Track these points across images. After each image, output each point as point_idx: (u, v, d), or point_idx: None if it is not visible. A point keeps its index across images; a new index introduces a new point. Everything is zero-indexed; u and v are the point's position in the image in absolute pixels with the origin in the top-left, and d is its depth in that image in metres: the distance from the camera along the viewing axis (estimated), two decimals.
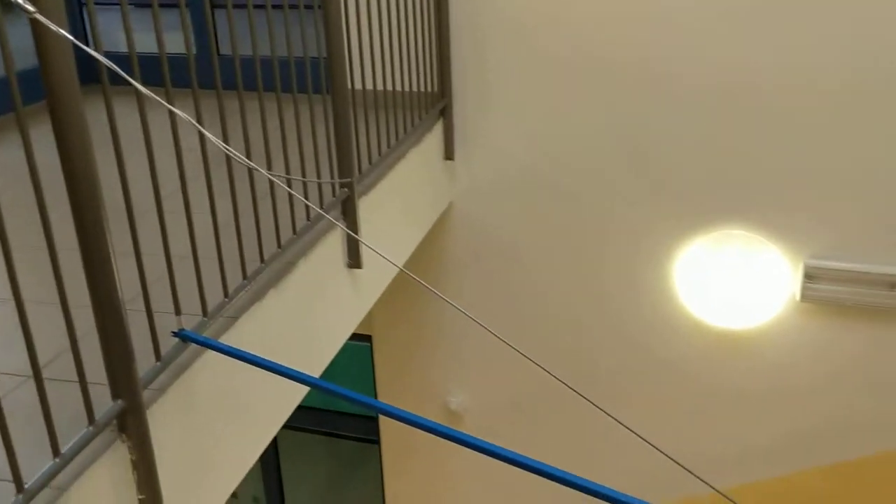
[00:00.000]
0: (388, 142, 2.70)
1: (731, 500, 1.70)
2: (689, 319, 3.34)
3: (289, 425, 4.93)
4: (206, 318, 1.68)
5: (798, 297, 3.17)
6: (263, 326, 1.92)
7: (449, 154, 3.32)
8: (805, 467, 3.47)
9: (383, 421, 4.16)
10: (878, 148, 2.93)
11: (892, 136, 2.90)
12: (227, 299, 1.76)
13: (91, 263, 1.32)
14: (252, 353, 1.66)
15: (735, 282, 3.23)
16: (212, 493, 1.78)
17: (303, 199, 1.87)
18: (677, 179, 3.17)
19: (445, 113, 3.24)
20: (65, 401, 1.38)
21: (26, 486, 1.23)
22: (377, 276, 2.64)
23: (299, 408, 4.84)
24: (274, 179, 1.68)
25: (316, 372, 2.27)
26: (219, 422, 1.78)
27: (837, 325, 3.21)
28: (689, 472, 1.60)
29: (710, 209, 3.17)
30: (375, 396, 4.11)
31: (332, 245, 2.29)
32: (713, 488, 1.65)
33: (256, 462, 4.84)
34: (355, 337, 4.33)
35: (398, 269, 2.83)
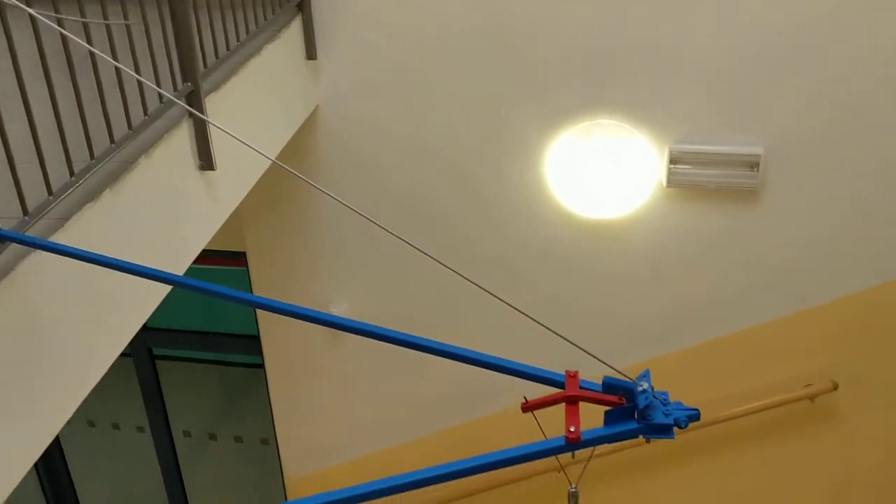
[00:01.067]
0: (237, 36, 2.53)
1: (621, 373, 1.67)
2: (562, 211, 3.35)
3: (169, 355, 4.78)
4: (27, 217, 1.54)
5: (664, 182, 3.22)
6: (100, 231, 1.78)
7: (311, 53, 3.17)
8: (678, 348, 3.60)
9: (267, 343, 4.05)
10: (733, 27, 2.95)
11: (751, 12, 2.92)
12: (51, 197, 1.61)
13: None
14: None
15: (604, 171, 3.24)
16: (46, 413, 1.66)
17: (138, 78, 1.72)
18: (545, 70, 3.13)
19: (303, 8, 3.07)
20: None
21: None
22: (235, 180, 2.51)
23: (179, 333, 4.68)
24: (118, 65, 1.52)
25: (152, 306, 2.13)
26: (53, 331, 1.65)
27: (703, 207, 3.29)
28: (578, 346, 1.55)
29: (578, 99, 3.15)
30: (256, 317, 4.01)
31: (179, 144, 2.14)
32: (605, 363, 1.62)
33: (137, 390, 4.68)
34: (230, 259, 4.23)
35: (259, 173, 2.72)
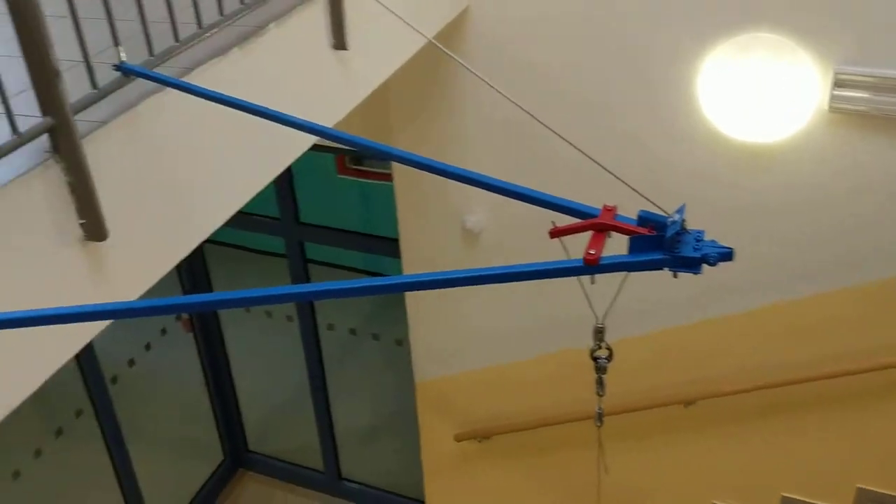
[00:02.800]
0: None
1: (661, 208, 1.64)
2: (712, 131, 3.19)
3: (319, 260, 5.05)
4: (152, 57, 1.66)
5: (827, 107, 2.99)
6: (225, 87, 1.89)
7: None
8: (832, 288, 3.38)
9: (406, 247, 4.16)
10: None
11: None
12: (177, 43, 1.73)
13: None
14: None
15: (761, 91, 3.05)
16: (169, 239, 1.80)
17: None
18: None
19: None
20: None
21: None
22: (370, 64, 2.57)
23: (328, 230, 4.93)
24: None
25: (287, 160, 2.23)
26: (177, 170, 1.79)
27: (869, 137, 3.03)
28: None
29: (736, 8, 2.96)
30: (397, 221, 4.13)
31: (313, 17, 2.22)
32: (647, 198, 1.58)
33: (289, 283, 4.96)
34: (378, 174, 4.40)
35: (398, 61, 2.76)
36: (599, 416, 1.63)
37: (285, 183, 4.57)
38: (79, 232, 1.51)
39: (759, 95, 3.06)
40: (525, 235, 3.68)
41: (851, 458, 3.72)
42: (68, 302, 1.39)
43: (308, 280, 4.91)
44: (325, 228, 4.70)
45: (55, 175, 1.46)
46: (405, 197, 3.99)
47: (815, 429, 3.71)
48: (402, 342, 4.74)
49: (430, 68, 3.49)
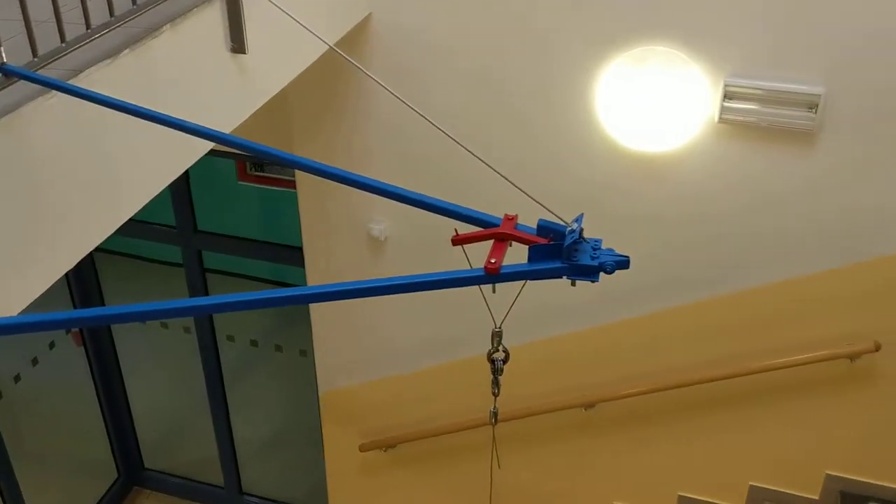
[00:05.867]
0: None
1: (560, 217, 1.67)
2: (608, 140, 3.27)
3: (218, 269, 4.91)
4: (36, 59, 1.58)
5: (716, 117, 3.11)
6: (115, 91, 1.81)
7: None
8: (715, 295, 3.51)
9: (310, 255, 4.11)
10: None
11: None
12: (63, 44, 1.65)
13: None
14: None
15: (654, 101, 3.15)
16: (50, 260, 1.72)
17: None
18: None
19: None
20: None
21: None
22: (270, 68, 2.52)
23: (227, 238, 4.81)
24: None
25: (182, 166, 2.16)
26: (60, 181, 1.70)
27: (756, 146, 3.17)
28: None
29: (632, 23, 3.05)
30: (300, 229, 4.06)
31: (209, 20, 2.16)
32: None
33: (186, 294, 4.80)
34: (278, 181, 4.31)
35: (299, 66, 2.72)
36: (494, 415, 1.68)
37: (181, 190, 4.44)
38: None
39: (654, 106, 3.16)
40: (431, 243, 3.70)
41: (745, 457, 3.86)
42: None
43: (206, 291, 4.78)
44: (225, 237, 4.58)
45: None
46: (308, 204, 3.94)
47: (710, 429, 3.84)
48: (307, 353, 4.67)
49: (333, 74, 3.46)
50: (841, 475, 3.73)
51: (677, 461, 4.00)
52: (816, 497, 3.81)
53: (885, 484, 3.67)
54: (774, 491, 3.88)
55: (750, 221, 3.32)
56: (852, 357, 3.41)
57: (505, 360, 1.44)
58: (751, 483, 3.92)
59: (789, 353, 3.48)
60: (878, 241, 3.22)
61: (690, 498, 4.08)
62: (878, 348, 3.36)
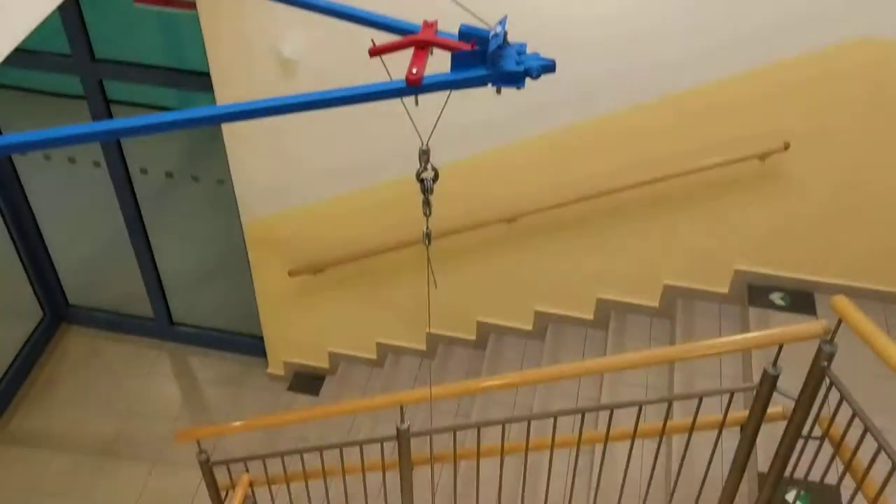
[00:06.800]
0: None
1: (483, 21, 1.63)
2: None
3: (123, 100, 4.62)
4: None
5: None
6: None
7: None
8: (628, 104, 3.52)
9: (218, 81, 3.92)
10: None
11: None
12: None
13: None
14: None
15: None
16: None
17: None
18: None
19: None
20: None
21: None
22: None
23: (131, 65, 4.50)
24: None
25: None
26: None
27: None
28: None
29: None
30: (205, 53, 3.83)
31: None
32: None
33: None
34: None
35: None
36: (427, 237, 1.67)
37: (72, 13, 4.11)
38: None
39: None
40: (347, 62, 3.56)
41: (660, 258, 4.05)
42: None
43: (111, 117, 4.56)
44: (125, 64, 4.32)
45: None
46: (212, 26, 3.71)
47: (627, 234, 3.99)
48: (224, 182, 4.57)
49: None
50: (748, 269, 3.95)
51: (596, 266, 4.17)
52: (726, 291, 4.05)
53: (788, 275, 3.91)
54: (687, 288, 4.11)
55: (659, 27, 3.28)
56: (762, 157, 3.52)
57: (434, 179, 1.41)
58: (665, 282, 4.13)
59: (704, 156, 3.56)
60: (783, 43, 3.24)
61: (609, 300, 4.29)
62: (787, 147, 3.46)
